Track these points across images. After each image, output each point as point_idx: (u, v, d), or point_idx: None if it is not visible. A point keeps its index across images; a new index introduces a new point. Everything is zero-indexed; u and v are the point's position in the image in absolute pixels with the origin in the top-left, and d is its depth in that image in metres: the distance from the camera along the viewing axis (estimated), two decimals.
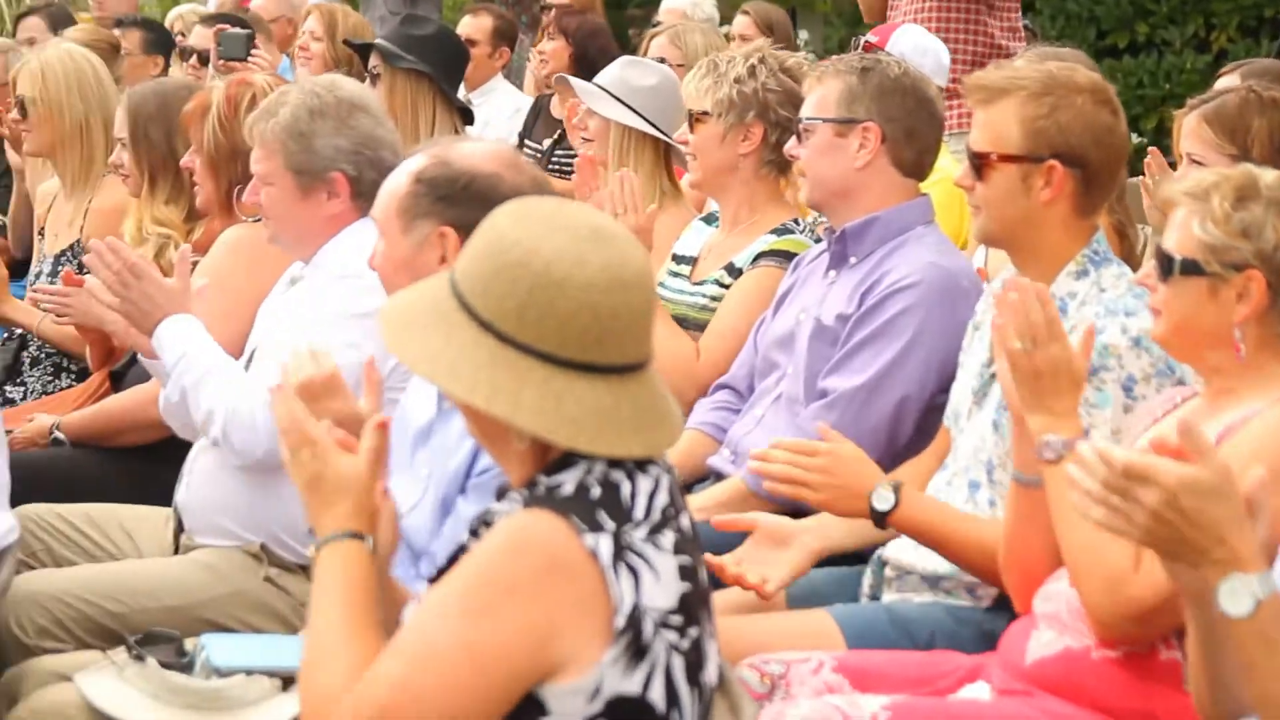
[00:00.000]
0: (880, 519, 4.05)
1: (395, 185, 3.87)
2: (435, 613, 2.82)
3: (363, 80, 6.69)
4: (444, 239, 3.75)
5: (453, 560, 2.96)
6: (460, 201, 3.74)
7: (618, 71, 6.36)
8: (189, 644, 4.09)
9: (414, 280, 3.17)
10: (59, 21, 9.69)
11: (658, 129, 6.13)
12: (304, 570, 4.57)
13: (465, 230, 3.04)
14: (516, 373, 2.82)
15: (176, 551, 4.78)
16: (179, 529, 4.79)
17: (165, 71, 9.09)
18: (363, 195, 4.60)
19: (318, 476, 3.04)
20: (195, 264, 5.01)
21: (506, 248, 2.85)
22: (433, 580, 2.96)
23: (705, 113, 5.51)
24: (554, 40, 9.22)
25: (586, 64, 8.61)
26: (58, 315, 5.71)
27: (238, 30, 7.74)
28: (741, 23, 9.47)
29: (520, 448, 2.89)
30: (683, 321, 5.54)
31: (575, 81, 6.57)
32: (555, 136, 8.84)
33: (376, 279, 4.17)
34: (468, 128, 7.30)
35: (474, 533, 2.98)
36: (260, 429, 4.41)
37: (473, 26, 9.63)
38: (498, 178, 3.75)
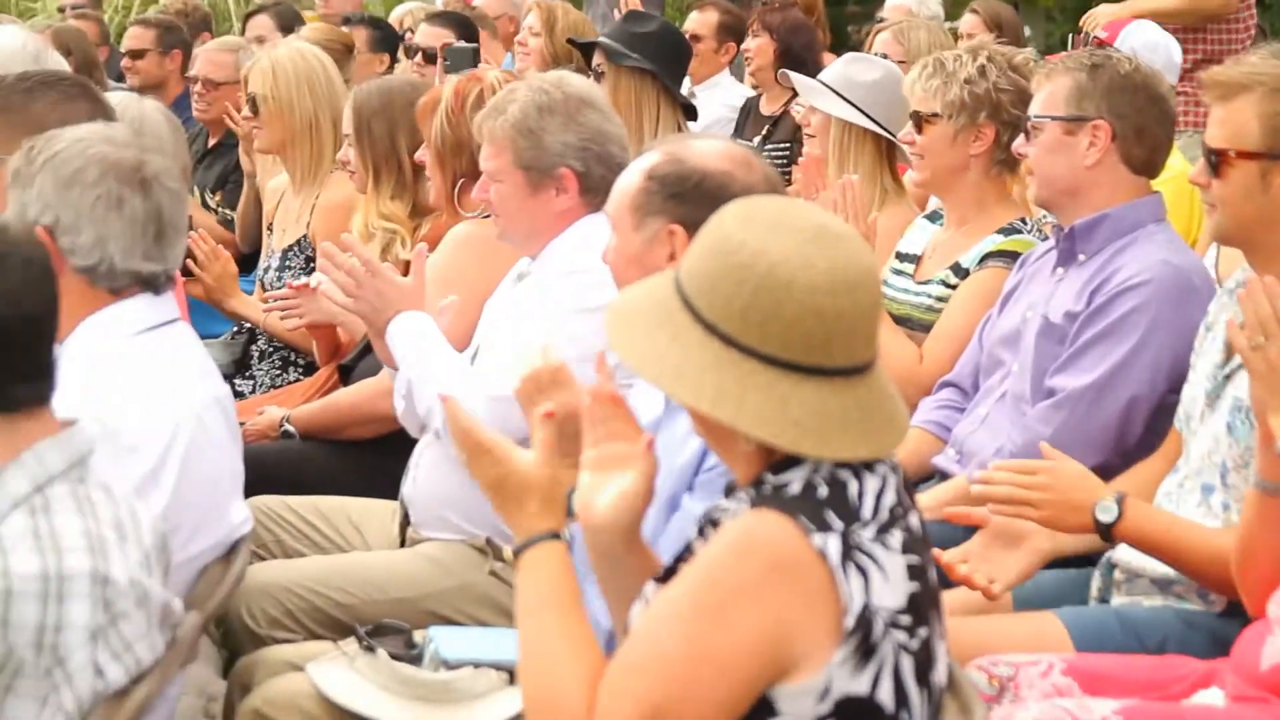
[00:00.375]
0: (1105, 531, 4.00)
1: (628, 182, 3.87)
2: (666, 620, 2.80)
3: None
4: (673, 236, 3.75)
5: (679, 560, 2.96)
6: (690, 199, 3.74)
7: (840, 68, 6.31)
8: (417, 636, 4.13)
9: (645, 276, 3.17)
10: (287, 20, 9.86)
11: (878, 124, 6.07)
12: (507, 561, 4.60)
13: (694, 228, 3.02)
14: (740, 376, 2.81)
15: (403, 545, 4.84)
16: (405, 522, 4.85)
17: (391, 69, 9.20)
18: (591, 191, 4.62)
19: (500, 480, 3.05)
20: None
21: (732, 249, 2.83)
22: (660, 580, 2.96)
23: (935, 114, 5.44)
24: (758, 37, 9.20)
25: (792, 60, 8.59)
26: (283, 318, 5.79)
27: (464, 45, 7.79)
28: (969, 20, 9.37)
29: (746, 448, 2.88)
30: (906, 321, 5.50)
31: (796, 76, 6.54)
32: (764, 133, 8.82)
33: (603, 274, 4.19)
34: (690, 123, 7.30)
35: (701, 532, 2.98)
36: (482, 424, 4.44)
37: (699, 22, 9.63)
38: (729, 176, 3.74)
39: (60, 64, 6.41)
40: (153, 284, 3.86)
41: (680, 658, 2.75)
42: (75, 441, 3.23)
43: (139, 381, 3.78)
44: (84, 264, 3.77)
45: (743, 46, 9.37)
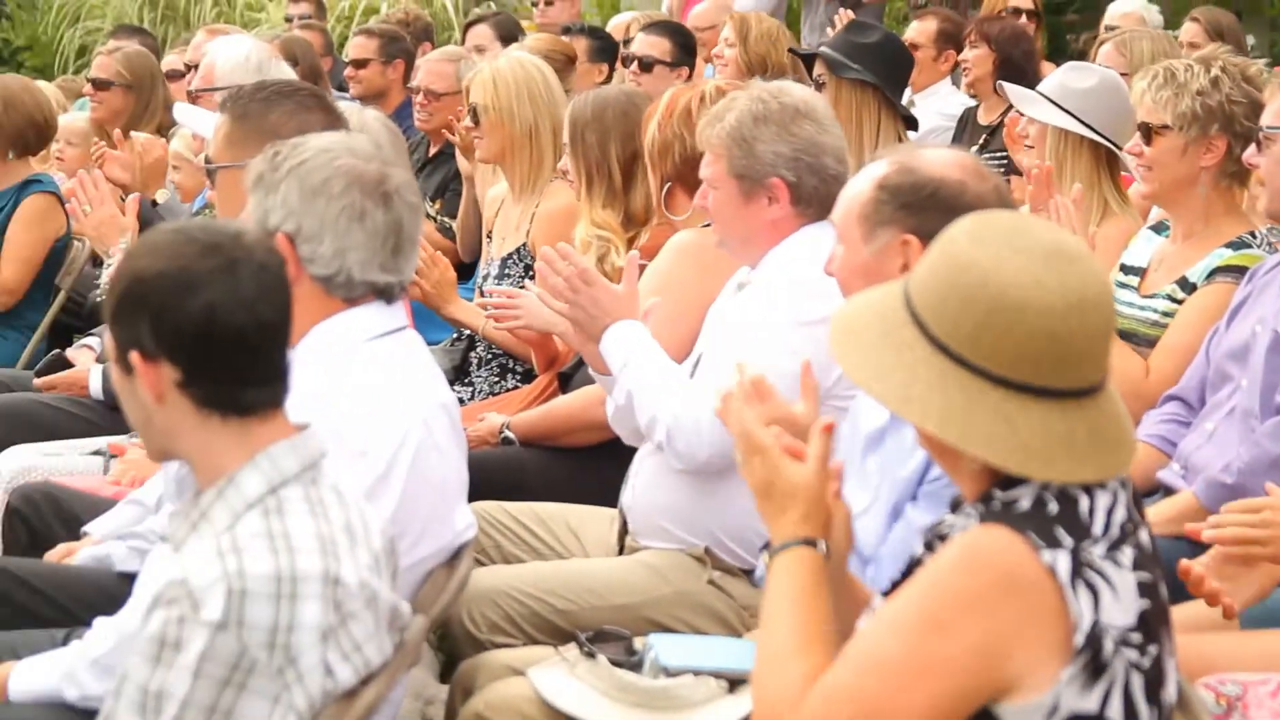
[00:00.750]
0: None
1: (857, 191, 3.86)
2: (889, 627, 2.81)
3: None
4: (907, 247, 3.73)
5: (906, 573, 2.95)
6: (924, 209, 3.72)
7: (1058, 77, 6.24)
8: (637, 643, 4.15)
9: (872, 287, 3.16)
10: (507, 29, 9.93)
11: (1095, 131, 5.98)
12: (746, 574, 4.60)
13: (927, 238, 3.01)
14: (968, 395, 2.79)
15: (621, 552, 4.85)
16: (624, 530, 4.86)
17: (609, 78, 9.25)
18: (803, 202, 4.62)
19: (769, 483, 3.06)
20: (643, 268, 5.08)
21: (964, 267, 2.82)
22: (886, 593, 2.96)
23: (1165, 126, 5.32)
24: (976, 47, 9.13)
25: (1011, 69, 8.51)
26: (498, 321, 5.84)
27: None
28: (1190, 29, 9.25)
29: (973, 466, 2.87)
30: (1131, 336, 5.41)
31: (1009, 86, 6.48)
32: (980, 143, 8.75)
33: (824, 286, 4.18)
34: (910, 133, 7.26)
35: (928, 546, 2.97)
36: (704, 434, 4.46)
37: (918, 30, 9.60)
38: (962, 185, 3.72)
39: (287, 74, 6.54)
40: (386, 294, 3.91)
41: (899, 664, 2.76)
42: (309, 445, 3.28)
43: (369, 387, 3.84)
44: (322, 273, 3.84)
45: (960, 56, 9.31)
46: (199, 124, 5.87)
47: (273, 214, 3.83)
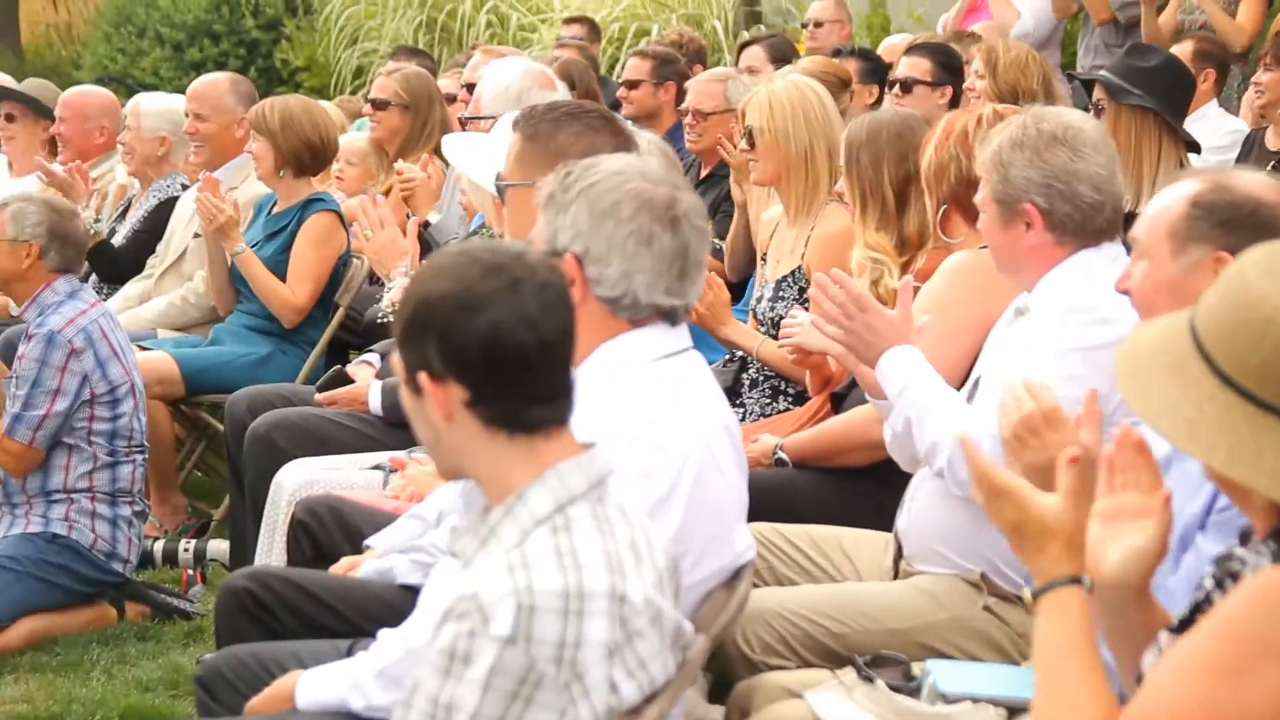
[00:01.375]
0: None
1: (1165, 207, 3.82)
2: (1182, 674, 2.74)
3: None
4: (1219, 264, 3.68)
5: (1195, 610, 2.90)
6: (1241, 227, 3.67)
7: None
8: (915, 668, 4.13)
9: (1176, 304, 3.13)
10: (780, 51, 9.98)
11: None
12: (1022, 601, 4.55)
13: None
14: (1256, 432, 2.73)
15: (895, 576, 4.84)
16: (898, 554, 4.85)
17: (880, 100, 9.23)
18: (1058, 228, 4.57)
19: (1020, 523, 3.04)
20: (916, 291, 5.07)
21: (1254, 301, 2.76)
22: (1176, 630, 2.91)
23: None
24: (1271, 71, 8.95)
25: None
26: (781, 344, 5.87)
27: None
28: None
29: (1263, 501, 2.81)
30: None
31: None
32: (1270, 167, 8.57)
33: (1104, 312, 4.13)
34: (1191, 156, 7.15)
35: (1218, 582, 2.91)
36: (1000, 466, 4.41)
37: (1176, 52, 9.43)
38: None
39: (553, 97, 6.60)
40: (670, 316, 3.95)
41: (1183, 708, 2.69)
42: (595, 463, 3.32)
43: (652, 407, 3.87)
44: (608, 295, 3.88)
45: (1253, 79, 9.13)
46: (461, 159, 5.94)
47: (562, 234, 3.88)
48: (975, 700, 3.96)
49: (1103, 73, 7.25)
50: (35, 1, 28.88)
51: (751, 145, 6.80)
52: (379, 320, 6.91)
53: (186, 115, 8.94)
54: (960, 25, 10.65)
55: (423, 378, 3.26)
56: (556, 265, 3.41)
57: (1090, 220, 4.56)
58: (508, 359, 3.22)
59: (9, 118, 10.30)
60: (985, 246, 4.96)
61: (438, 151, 9.05)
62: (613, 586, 3.19)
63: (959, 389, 4.78)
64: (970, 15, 11.12)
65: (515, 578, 3.15)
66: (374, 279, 8.52)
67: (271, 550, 6.05)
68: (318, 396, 6.96)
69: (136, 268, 9.09)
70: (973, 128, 5.43)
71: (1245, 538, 2.97)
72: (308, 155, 8.17)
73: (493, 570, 3.18)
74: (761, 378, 6.60)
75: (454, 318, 3.21)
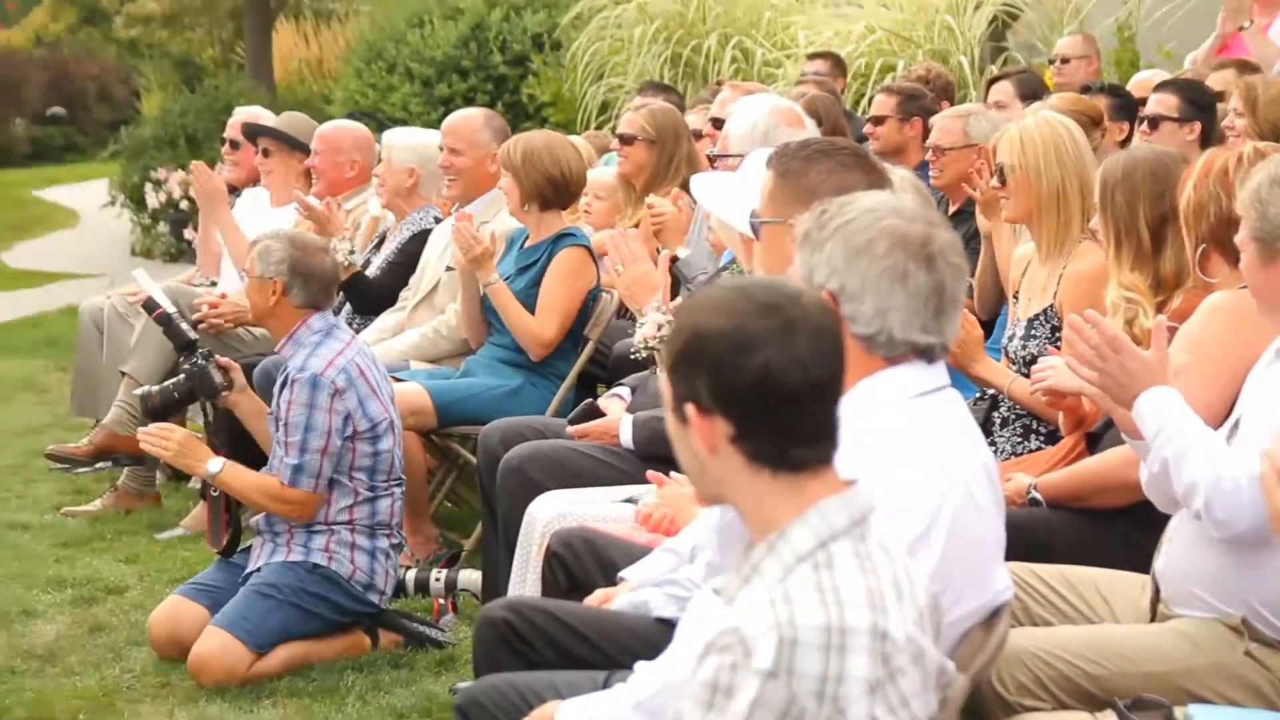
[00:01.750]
0: None
1: None
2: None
3: None
4: None
5: None
6: None
7: None
8: (1177, 713, 4.09)
9: None
10: (1030, 87, 9.90)
11: None
12: None
13: None
14: None
15: (1153, 619, 4.79)
16: (1155, 596, 4.79)
17: (1130, 137, 9.14)
18: None
19: None
20: (1171, 331, 5.01)
21: None
22: None
23: None
24: None
25: None
26: (1031, 388, 5.84)
27: None
28: None
29: None
30: None
31: None
32: None
33: None
34: None
35: None
36: (1245, 502, 4.35)
37: None
38: None
39: (800, 134, 6.63)
40: (927, 354, 3.95)
41: None
42: (858, 500, 3.34)
43: (911, 445, 3.88)
44: (863, 332, 3.89)
45: None
46: (710, 198, 5.98)
47: (817, 272, 3.91)
48: None
49: None
50: (288, 38, 29.61)
51: (1003, 182, 6.76)
52: (630, 355, 6.98)
53: (441, 149, 9.09)
54: (1221, 52, 10.51)
55: (689, 409, 3.31)
56: (830, 308, 3.44)
57: None
58: (776, 400, 3.25)
59: (265, 153, 10.54)
60: (1245, 286, 4.91)
61: (685, 186, 9.13)
62: (874, 623, 3.20)
63: (1217, 430, 4.72)
64: (1224, 52, 10.96)
65: (777, 612, 3.17)
66: (623, 313, 8.61)
67: (525, 581, 6.13)
68: (569, 429, 7.04)
69: (390, 299, 9.26)
70: (1233, 165, 5.37)
71: None
72: (550, 190, 8.26)
73: (755, 605, 3.20)
74: (1013, 416, 6.56)
75: (726, 355, 3.25)
